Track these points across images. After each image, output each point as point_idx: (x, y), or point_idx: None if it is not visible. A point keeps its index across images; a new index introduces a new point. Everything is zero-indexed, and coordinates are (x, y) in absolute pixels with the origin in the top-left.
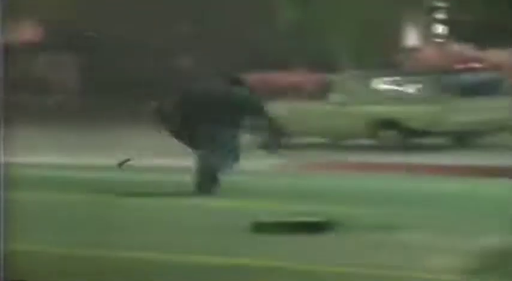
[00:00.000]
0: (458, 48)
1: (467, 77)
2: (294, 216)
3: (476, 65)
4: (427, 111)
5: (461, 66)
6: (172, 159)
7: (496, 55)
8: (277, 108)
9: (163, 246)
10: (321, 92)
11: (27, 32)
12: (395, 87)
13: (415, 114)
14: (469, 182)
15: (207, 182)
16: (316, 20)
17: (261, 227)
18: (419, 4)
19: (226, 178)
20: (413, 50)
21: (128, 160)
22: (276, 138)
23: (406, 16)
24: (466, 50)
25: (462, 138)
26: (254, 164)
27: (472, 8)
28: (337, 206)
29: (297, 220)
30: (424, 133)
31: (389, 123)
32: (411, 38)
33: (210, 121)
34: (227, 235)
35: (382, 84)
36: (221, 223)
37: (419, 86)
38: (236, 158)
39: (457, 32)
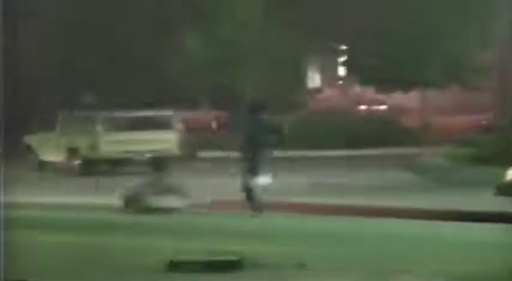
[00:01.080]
0: (359, 90)
1: (136, 115)
2: (208, 255)
3: (379, 107)
4: (88, 142)
5: (363, 107)
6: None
7: (396, 98)
8: (29, 139)
9: None
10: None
11: None
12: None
13: (84, 144)
14: (383, 223)
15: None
16: (223, 58)
17: (175, 266)
18: (322, 46)
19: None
20: (316, 91)
21: None
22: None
23: (310, 58)
24: (367, 92)
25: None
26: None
27: (374, 53)
28: (250, 245)
29: (210, 259)
30: (95, 161)
31: (73, 151)
32: (315, 79)
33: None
34: (143, 274)
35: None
36: (137, 262)
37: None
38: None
39: (359, 74)
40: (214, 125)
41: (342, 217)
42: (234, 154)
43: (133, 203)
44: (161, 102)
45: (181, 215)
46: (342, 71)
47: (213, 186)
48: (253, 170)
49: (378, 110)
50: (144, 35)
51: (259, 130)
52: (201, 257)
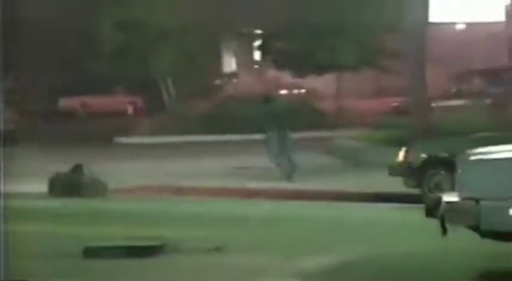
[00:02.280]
0: (275, 74)
1: None
2: (128, 240)
3: (294, 91)
4: None
5: (283, 91)
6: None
7: (311, 82)
8: None
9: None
10: None
11: None
12: None
13: None
14: (298, 205)
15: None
16: (138, 45)
17: (93, 252)
18: (236, 30)
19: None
20: (232, 75)
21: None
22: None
23: (225, 42)
24: (283, 76)
25: None
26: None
27: (287, 37)
28: (171, 230)
29: (129, 244)
30: None
31: None
32: (230, 63)
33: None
34: (60, 260)
35: None
36: (56, 248)
37: None
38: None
39: (274, 59)
40: (130, 110)
41: (262, 200)
42: (151, 139)
43: (58, 189)
44: (75, 87)
45: (102, 200)
46: (257, 55)
47: (132, 171)
48: (278, 149)
49: (292, 94)
50: (59, 20)
51: (270, 117)
52: (121, 243)
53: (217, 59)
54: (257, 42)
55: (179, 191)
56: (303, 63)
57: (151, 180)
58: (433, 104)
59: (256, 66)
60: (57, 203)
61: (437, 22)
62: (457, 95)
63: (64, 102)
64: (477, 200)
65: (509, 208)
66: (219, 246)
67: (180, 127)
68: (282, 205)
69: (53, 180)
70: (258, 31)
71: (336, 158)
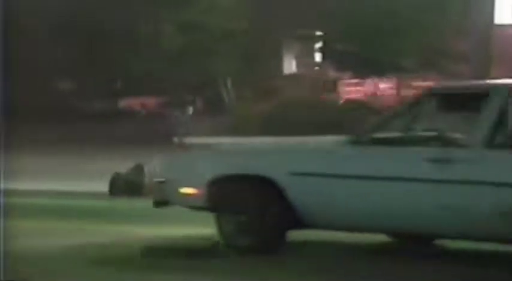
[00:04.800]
0: (335, 76)
1: None
2: (186, 239)
3: (355, 93)
4: None
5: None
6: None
7: (372, 84)
8: None
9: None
10: None
11: None
12: None
13: None
14: None
15: None
16: (198, 46)
17: (150, 252)
18: (294, 33)
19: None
20: (292, 77)
21: None
22: None
23: (285, 44)
24: (343, 78)
25: None
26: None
27: (347, 39)
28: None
29: (187, 244)
30: None
31: None
32: (290, 65)
33: None
34: (119, 260)
35: None
36: (114, 248)
37: None
38: None
39: (335, 60)
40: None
41: None
42: (210, 140)
43: (119, 188)
44: (135, 88)
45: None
46: (317, 57)
47: None
48: None
49: (354, 96)
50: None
51: None
52: (179, 242)
53: (278, 60)
54: (318, 44)
55: None
56: (364, 65)
57: None
58: None
59: (316, 67)
60: (118, 203)
61: (502, 24)
62: None
63: (124, 103)
64: (163, 181)
65: (180, 186)
66: None
67: (239, 128)
68: None
69: (113, 180)
70: (319, 33)
71: None
